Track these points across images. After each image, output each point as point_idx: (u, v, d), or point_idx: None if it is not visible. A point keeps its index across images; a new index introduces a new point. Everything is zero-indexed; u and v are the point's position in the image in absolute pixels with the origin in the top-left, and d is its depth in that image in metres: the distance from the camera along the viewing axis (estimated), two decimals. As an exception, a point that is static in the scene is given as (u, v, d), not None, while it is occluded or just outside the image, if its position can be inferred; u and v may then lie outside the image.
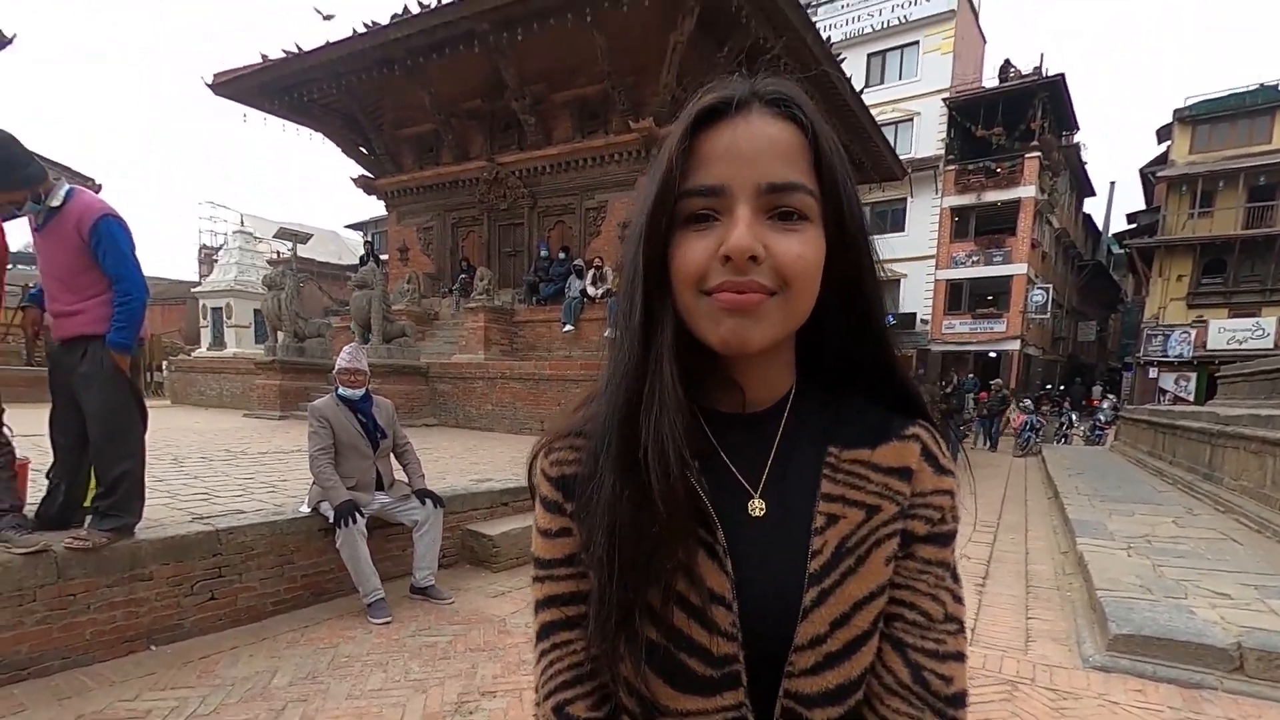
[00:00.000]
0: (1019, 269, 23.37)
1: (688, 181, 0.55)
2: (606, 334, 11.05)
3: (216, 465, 5.54)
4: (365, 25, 12.56)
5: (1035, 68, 24.19)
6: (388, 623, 3.57)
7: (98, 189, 14.47)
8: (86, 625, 2.94)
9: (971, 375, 19.33)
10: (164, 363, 15.78)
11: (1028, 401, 16.61)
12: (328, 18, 13.82)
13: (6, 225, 3.08)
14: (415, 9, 11.89)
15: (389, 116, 15.52)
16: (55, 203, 2.92)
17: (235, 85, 14.29)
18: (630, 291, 0.59)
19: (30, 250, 3.18)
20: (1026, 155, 23.03)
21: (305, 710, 2.66)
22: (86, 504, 3.14)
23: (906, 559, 0.60)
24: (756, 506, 0.60)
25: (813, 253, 0.54)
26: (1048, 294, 23.83)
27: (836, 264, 0.57)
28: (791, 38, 11.65)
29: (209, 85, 14.45)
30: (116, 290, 2.98)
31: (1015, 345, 23.59)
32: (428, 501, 4.02)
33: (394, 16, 12.20)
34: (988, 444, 15.76)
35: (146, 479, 3.21)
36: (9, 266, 3.17)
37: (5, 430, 3.03)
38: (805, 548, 0.58)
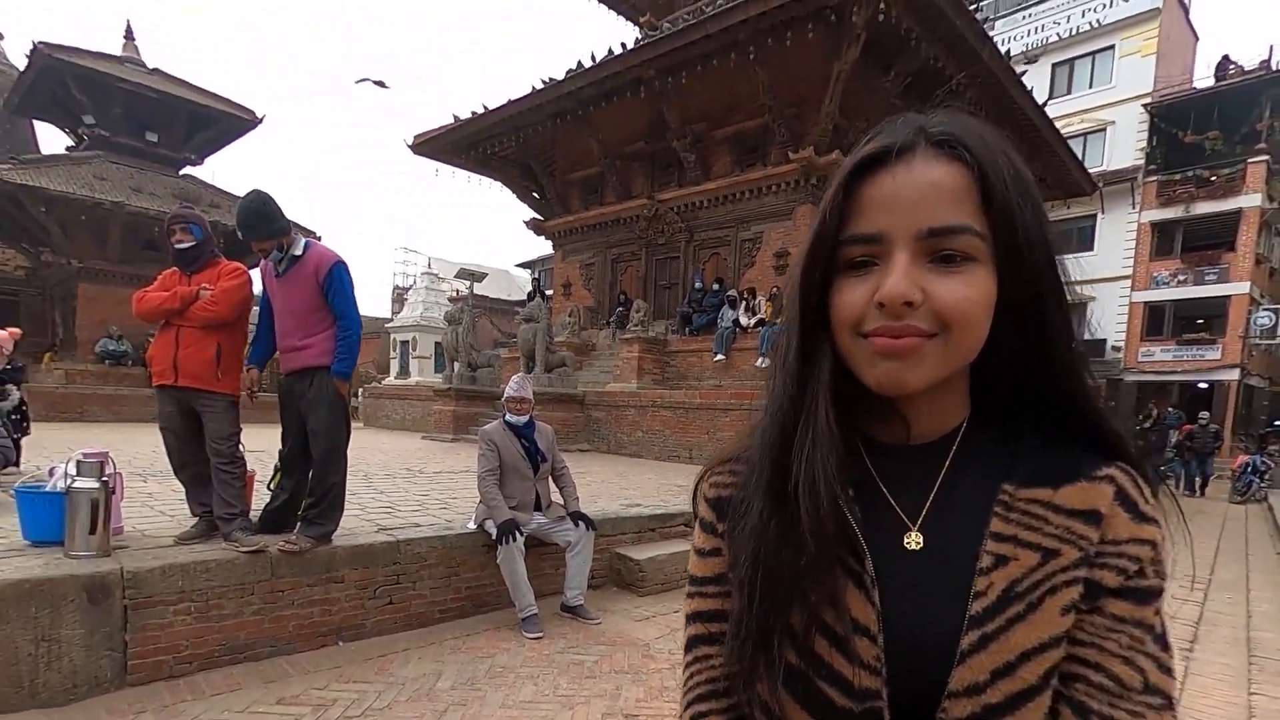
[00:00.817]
0: (1240, 288, 20.09)
1: (847, 229, 0.55)
2: (758, 363, 10.97)
3: (398, 482, 6.16)
4: (542, 82, 13.67)
5: (1263, 61, 21.00)
6: (539, 638, 3.75)
7: (318, 239, 16.78)
8: (290, 619, 3.37)
9: (1173, 409, 16.78)
10: (360, 390, 17.81)
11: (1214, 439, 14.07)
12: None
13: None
14: (588, 63, 12.76)
15: (559, 163, 16.67)
16: (297, 251, 3.48)
17: (430, 144, 16.26)
18: (787, 333, 0.61)
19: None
20: (1250, 160, 19.92)
21: (465, 714, 2.85)
22: (298, 512, 3.61)
23: (1092, 613, 0.54)
24: (913, 540, 0.58)
25: (977, 293, 0.53)
26: (1277, 316, 20.22)
27: (1013, 296, 0.55)
28: (966, 56, 11.08)
29: (409, 146, 16.51)
30: (340, 326, 3.49)
31: (1234, 375, 20.17)
32: (581, 523, 4.19)
33: (568, 71, 13.18)
34: (1186, 488, 13.64)
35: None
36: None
37: (241, 447, 3.59)
38: (967, 588, 0.54)
